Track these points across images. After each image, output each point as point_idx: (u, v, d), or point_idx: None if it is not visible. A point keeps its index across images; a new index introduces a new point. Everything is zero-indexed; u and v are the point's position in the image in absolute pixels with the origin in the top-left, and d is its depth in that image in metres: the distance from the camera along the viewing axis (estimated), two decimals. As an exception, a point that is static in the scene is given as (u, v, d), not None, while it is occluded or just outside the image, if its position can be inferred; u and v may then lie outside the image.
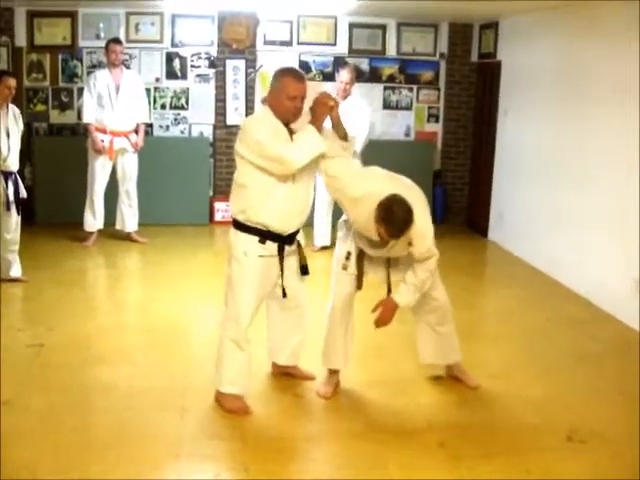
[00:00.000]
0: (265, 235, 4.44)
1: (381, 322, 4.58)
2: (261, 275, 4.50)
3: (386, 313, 4.56)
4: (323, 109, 4.36)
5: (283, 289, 4.60)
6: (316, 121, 4.34)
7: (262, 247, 4.45)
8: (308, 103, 4.44)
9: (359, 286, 4.73)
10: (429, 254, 4.46)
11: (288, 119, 4.41)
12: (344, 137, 4.53)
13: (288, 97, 4.34)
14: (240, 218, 4.47)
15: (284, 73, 4.44)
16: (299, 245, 4.66)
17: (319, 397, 4.80)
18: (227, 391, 4.62)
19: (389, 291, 4.73)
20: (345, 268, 4.70)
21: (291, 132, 4.42)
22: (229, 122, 9.75)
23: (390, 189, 4.30)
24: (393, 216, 4.18)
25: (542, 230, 8.03)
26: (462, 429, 4.45)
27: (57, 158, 9.28)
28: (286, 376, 5.06)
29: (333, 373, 4.95)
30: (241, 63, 9.70)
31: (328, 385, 4.87)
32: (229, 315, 4.57)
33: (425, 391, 4.99)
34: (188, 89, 9.81)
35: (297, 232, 4.62)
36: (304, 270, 4.66)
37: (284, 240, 4.51)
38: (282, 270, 4.55)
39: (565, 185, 7.57)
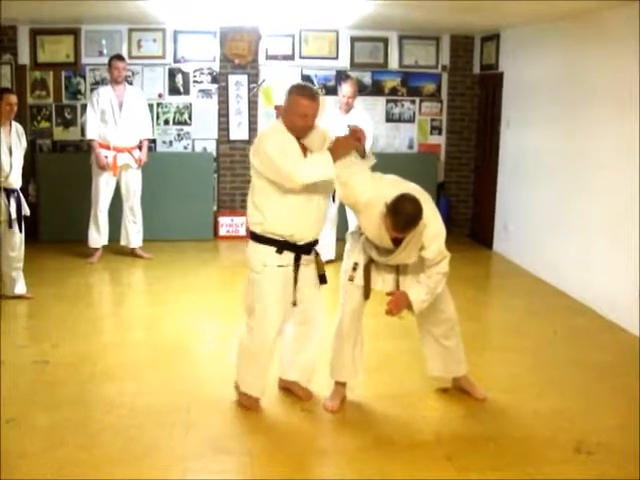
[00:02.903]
0: (282, 245, 4.52)
1: (392, 307, 4.54)
2: (282, 285, 4.59)
3: (397, 301, 4.55)
4: (347, 149, 4.43)
5: (294, 299, 4.65)
6: (335, 154, 4.35)
7: (280, 257, 4.53)
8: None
9: (366, 296, 4.72)
10: (441, 256, 4.48)
11: (299, 135, 4.47)
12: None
13: (299, 115, 4.39)
14: (257, 230, 4.56)
15: (297, 91, 4.47)
16: (317, 254, 4.71)
17: (326, 411, 4.78)
18: (245, 391, 4.81)
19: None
20: (352, 279, 4.70)
21: (304, 146, 4.49)
22: (232, 137, 9.77)
23: (401, 191, 4.35)
24: (402, 209, 4.25)
25: (547, 241, 8.02)
26: (470, 442, 4.43)
27: (61, 175, 9.29)
28: (286, 391, 5.03)
29: (340, 386, 4.92)
30: (243, 78, 9.72)
31: (335, 399, 4.85)
32: (254, 326, 4.69)
33: (432, 404, 4.96)
34: (191, 105, 9.83)
35: (315, 242, 4.67)
36: (322, 279, 4.71)
37: (301, 249, 4.58)
38: (296, 280, 4.60)
39: (569, 196, 7.56)
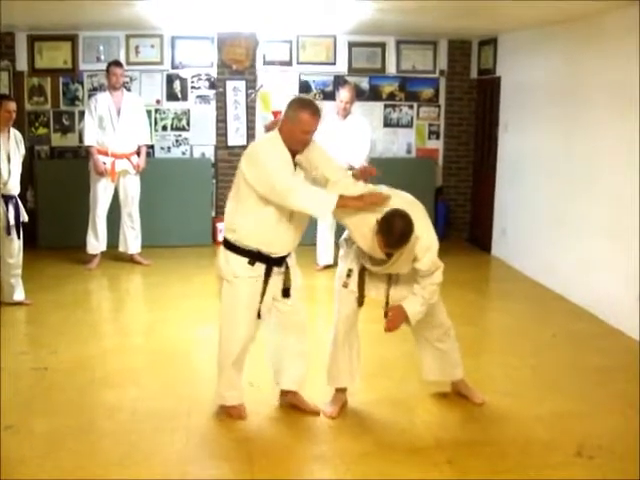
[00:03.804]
0: (254, 257, 4.46)
1: (391, 325, 4.55)
2: (253, 295, 4.53)
3: (395, 318, 4.54)
4: (358, 206, 4.37)
5: (259, 310, 4.59)
6: (344, 203, 4.31)
7: (251, 269, 4.47)
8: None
9: (360, 303, 4.71)
10: (434, 267, 4.46)
11: (297, 150, 4.43)
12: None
13: (303, 131, 4.35)
14: (230, 237, 4.51)
15: (302, 106, 4.39)
16: (287, 267, 4.63)
17: (325, 417, 4.77)
18: (219, 403, 4.77)
19: (387, 304, 4.70)
20: (346, 286, 4.68)
21: (294, 158, 4.44)
22: (230, 143, 9.77)
23: (392, 205, 4.32)
24: (393, 226, 4.21)
25: (545, 245, 8.02)
26: (470, 446, 4.42)
27: (59, 181, 9.29)
28: (291, 407, 4.92)
29: (340, 392, 4.91)
30: (241, 84, 9.72)
31: (334, 405, 4.84)
32: (222, 336, 4.69)
33: (432, 408, 4.95)
34: (189, 110, 9.83)
35: (287, 255, 4.62)
36: (285, 293, 4.64)
37: (273, 261, 4.52)
38: (264, 292, 4.55)
39: (567, 199, 7.56)
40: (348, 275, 4.69)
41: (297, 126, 4.34)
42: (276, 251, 4.48)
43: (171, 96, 9.78)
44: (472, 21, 7.97)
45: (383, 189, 4.58)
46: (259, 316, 4.61)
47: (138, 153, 8.64)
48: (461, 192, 10.47)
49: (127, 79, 9.29)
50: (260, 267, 4.49)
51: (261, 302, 4.57)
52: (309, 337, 4.90)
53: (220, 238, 9.49)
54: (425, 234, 4.40)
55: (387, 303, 4.72)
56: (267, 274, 4.52)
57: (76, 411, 4.80)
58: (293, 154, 4.43)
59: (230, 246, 4.51)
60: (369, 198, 4.36)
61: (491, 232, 9.61)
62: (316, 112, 4.38)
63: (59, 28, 9.16)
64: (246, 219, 4.43)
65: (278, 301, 4.65)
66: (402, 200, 4.48)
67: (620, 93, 6.54)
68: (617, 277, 6.63)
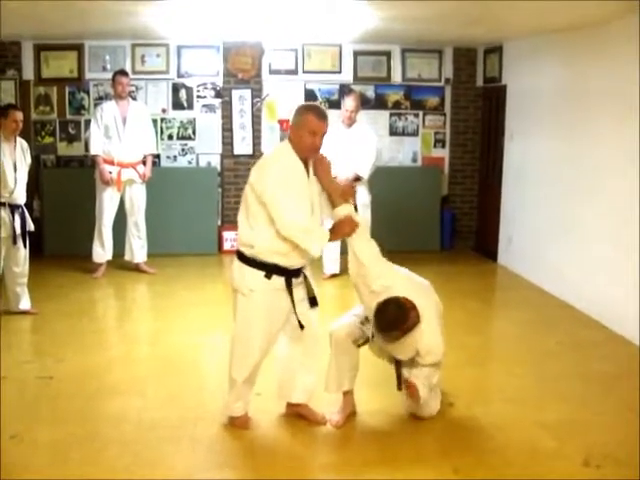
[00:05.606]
0: (271, 270, 4.41)
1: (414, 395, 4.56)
2: (269, 309, 4.47)
3: (413, 394, 4.56)
4: (349, 232, 4.51)
5: (299, 321, 4.53)
6: (335, 236, 4.50)
7: (268, 282, 4.42)
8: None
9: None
10: (434, 368, 4.50)
11: (307, 155, 4.42)
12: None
13: (309, 132, 4.34)
14: (246, 252, 4.44)
15: (307, 109, 4.45)
16: (305, 277, 4.59)
17: (331, 426, 4.74)
18: (226, 414, 4.74)
19: (398, 377, 4.69)
20: (363, 324, 4.68)
21: (307, 166, 4.45)
22: (236, 152, 9.79)
23: (407, 292, 4.37)
24: (384, 313, 4.31)
25: (551, 253, 8.00)
26: (476, 454, 4.40)
27: (65, 190, 9.33)
28: (298, 417, 4.87)
29: (347, 396, 4.86)
30: (247, 93, 9.74)
31: (341, 413, 4.80)
32: (236, 351, 4.62)
33: (437, 416, 4.91)
34: (195, 119, 9.85)
35: (304, 266, 4.58)
36: (313, 302, 4.60)
37: (290, 274, 4.48)
38: (293, 303, 4.49)
39: (573, 208, 7.55)
40: (362, 322, 4.67)
41: (304, 128, 4.35)
42: (293, 263, 4.44)
43: (177, 105, 9.81)
44: (477, 29, 7.97)
45: (405, 274, 4.63)
46: (301, 327, 4.55)
47: (144, 162, 8.66)
48: (467, 200, 10.45)
49: (133, 88, 9.33)
50: (277, 280, 4.44)
51: (295, 313, 4.52)
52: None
53: (226, 247, 9.64)
54: (430, 335, 4.44)
55: (398, 377, 4.70)
56: (288, 285, 4.47)
57: (81, 420, 4.79)
58: (305, 162, 4.43)
59: (245, 259, 4.45)
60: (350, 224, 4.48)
61: (497, 240, 9.59)
62: (322, 114, 4.40)
63: (65, 37, 9.20)
64: (261, 235, 4.36)
65: (293, 314, 4.56)
66: (420, 290, 4.55)
67: (623, 101, 6.53)
68: (622, 285, 6.60)
